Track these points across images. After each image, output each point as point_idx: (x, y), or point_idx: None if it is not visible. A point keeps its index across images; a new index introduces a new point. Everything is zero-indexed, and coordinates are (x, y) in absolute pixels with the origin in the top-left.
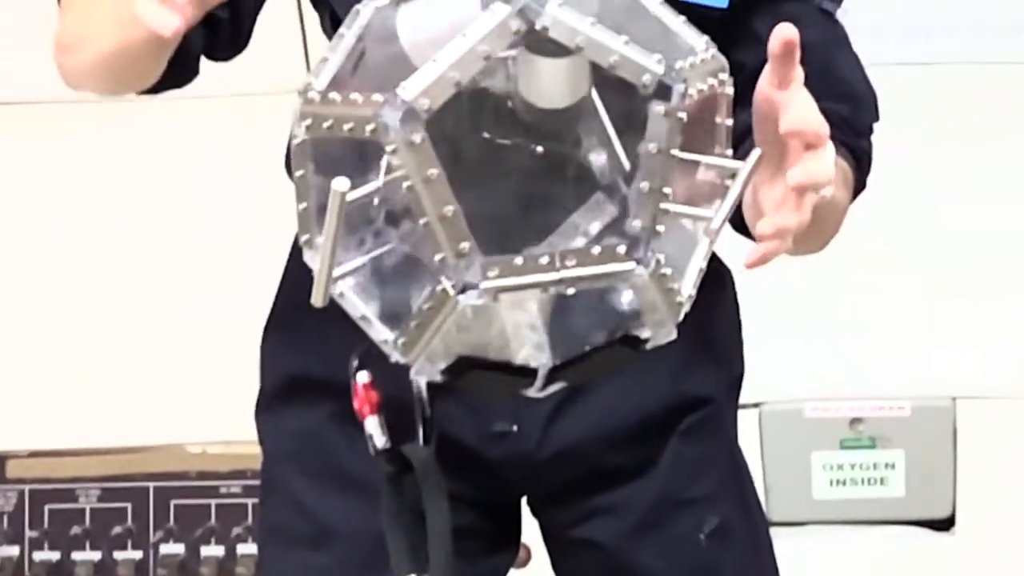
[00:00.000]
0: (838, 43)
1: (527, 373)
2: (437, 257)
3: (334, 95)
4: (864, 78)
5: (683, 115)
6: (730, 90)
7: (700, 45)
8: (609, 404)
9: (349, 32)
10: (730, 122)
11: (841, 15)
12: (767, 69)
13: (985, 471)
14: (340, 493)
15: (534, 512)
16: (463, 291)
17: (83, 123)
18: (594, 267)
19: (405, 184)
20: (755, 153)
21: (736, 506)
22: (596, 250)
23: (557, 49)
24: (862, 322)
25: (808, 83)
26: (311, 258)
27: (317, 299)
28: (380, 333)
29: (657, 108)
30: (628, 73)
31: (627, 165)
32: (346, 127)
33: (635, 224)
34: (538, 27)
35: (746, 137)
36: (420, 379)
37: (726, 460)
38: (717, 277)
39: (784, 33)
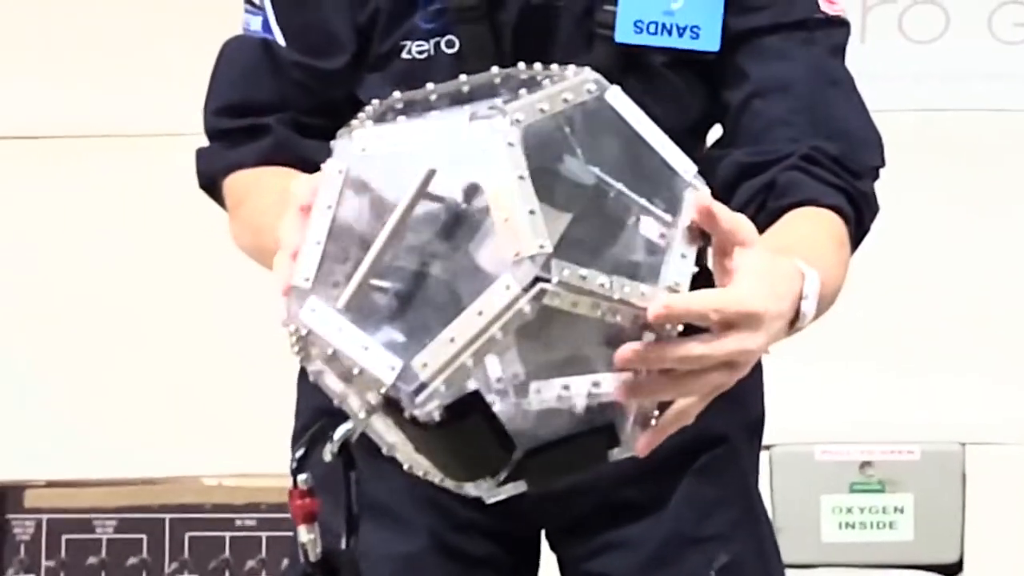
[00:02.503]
0: (830, 81)
1: (510, 447)
2: (513, 250)
3: (402, 117)
4: (863, 118)
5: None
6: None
7: (690, 167)
8: None
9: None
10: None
11: (850, 62)
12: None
13: (993, 516)
14: (367, 520)
15: (552, 546)
16: (532, 285)
17: (111, 154)
18: (641, 301)
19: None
20: None
21: (749, 546)
22: (644, 289)
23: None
24: (873, 367)
25: (795, 119)
26: (302, 306)
27: (345, 300)
28: (385, 362)
29: (690, 195)
30: (672, 158)
31: None
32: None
33: (676, 282)
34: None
35: (734, 178)
36: (421, 412)
37: (740, 500)
38: None
39: (698, 203)
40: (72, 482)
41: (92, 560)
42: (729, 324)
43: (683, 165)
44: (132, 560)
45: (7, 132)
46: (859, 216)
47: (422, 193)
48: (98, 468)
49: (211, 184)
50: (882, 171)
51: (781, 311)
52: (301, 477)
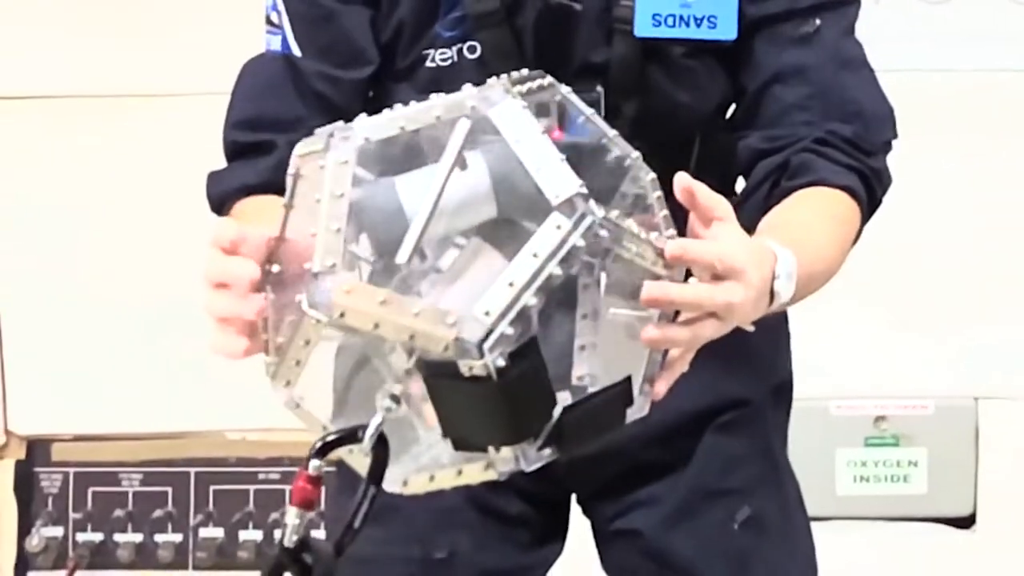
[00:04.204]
0: (843, 62)
1: (554, 401)
2: (554, 194)
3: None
4: (876, 95)
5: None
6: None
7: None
8: None
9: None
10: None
11: (865, 23)
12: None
13: (1005, 470)
14: None
15: (584, 509)
16: (581, 220)
17: (167, 112)
18: (658, 243)
19: None
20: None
21: (771, 500)
22: (653, 235)
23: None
24: (888, 322)
25: (810, 104)
26: (332, 289)
27: (403, 255)
28: (442, 319)
29: (643, 176)
30: (618, 149)
31: None
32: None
33: (671, 234)
34: None
35: (750, 161)
36: (487, 360)
37: (762, 457)
38: None
39: (680, 183)
40: (98, 436)
41: (119, 512)
42: (719, 277)
43: (556, 188)
44: (158, 512)
45: (39, 92)
46: (871, 193)
47: (462, 150)
48: (124, 422)
49: (219, 209)
50: (897, 136)
51: (756, 279)
52: (314, 463)
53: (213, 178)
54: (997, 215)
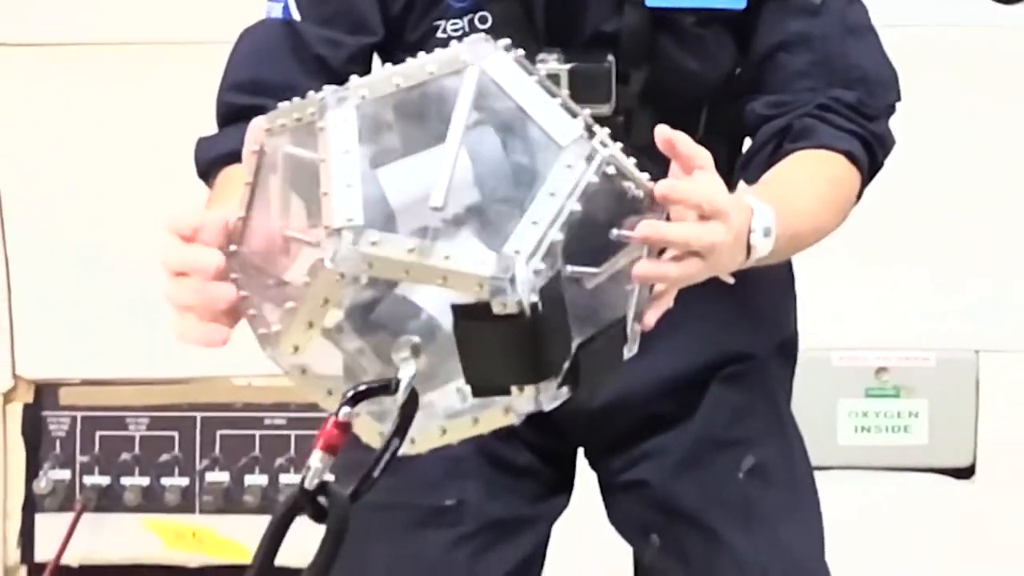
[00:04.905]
0: (847, 29)
1: (571, 336)
2: (560, 135)
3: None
4: (880, 60)
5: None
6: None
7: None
8: (654, 358)
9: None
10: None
11: None
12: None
13: (1005, 422)
14: None
15: (591, 463)
16: (592, 157)
17: (184, 59)
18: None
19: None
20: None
21: (776, 451)
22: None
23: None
24: (890, 275)
25: (814, 70)
26: (357, 242)
27: (438, 199)
28: (475, 259)
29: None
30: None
31: None
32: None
33: (650, 178)
34: None
35: (755, 126)
36: (521, 296)
37: (766, 409)
38: None
39: (660, 134)
40: (106, 381)
41: (126, 456)
42: (704, 218)
43: (562, 130)
44: (164, 456)
45: (68, 39)
46: (872, 157)
47: (475, 96)
48: (132, 367)
49: (206, 175)
50: (901, 99)
51: (736, 224)
52: (345, 410)
53: (202, 144)
54: (999, 168)
